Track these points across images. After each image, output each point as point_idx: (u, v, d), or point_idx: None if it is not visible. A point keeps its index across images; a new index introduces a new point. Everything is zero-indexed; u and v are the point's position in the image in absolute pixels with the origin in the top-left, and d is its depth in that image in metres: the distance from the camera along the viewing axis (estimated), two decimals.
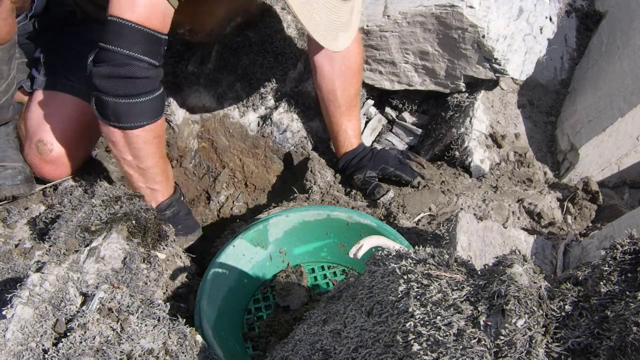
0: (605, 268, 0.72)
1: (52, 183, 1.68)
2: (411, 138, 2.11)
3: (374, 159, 1.78)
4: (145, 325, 0.96)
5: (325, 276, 1.47)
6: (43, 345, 0.91)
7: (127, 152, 1.41)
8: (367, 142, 2.15)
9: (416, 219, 1.61)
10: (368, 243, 0.96)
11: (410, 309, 0.74)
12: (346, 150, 1.83)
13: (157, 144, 1.43)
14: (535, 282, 0.71)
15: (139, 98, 1.32)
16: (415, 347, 0.69)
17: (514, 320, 0.67)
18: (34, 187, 1.65)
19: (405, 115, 2.15)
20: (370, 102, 2.20)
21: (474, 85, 1.97)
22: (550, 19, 2.11)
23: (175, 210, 1.58)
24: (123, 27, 1.26)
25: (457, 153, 1.82)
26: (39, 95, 1.68)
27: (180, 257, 1.45)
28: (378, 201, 1.70)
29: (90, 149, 1.77)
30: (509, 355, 0.65)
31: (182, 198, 1.65)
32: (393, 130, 2.16)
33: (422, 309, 0.73)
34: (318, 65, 1.76)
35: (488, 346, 0.66)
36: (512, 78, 1.93)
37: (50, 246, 1.32)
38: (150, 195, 1.53)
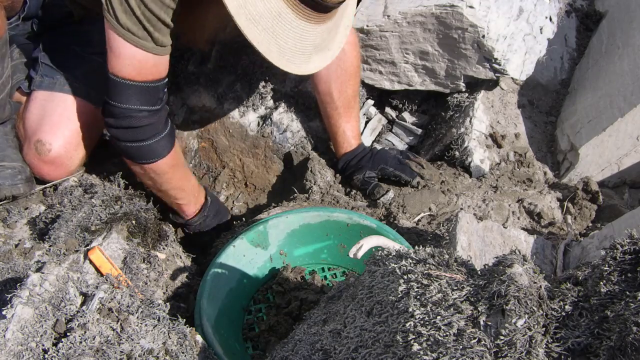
0: (605, 268, 0.72)
1: (52, 183, 1.68)
2: (411, 138, 2.11)
3: (373, 159, 1.79)
4: (145, 325, 0.96)
5: (325, 278, 1.47)
6: (43, 345, 0.91)
7: (146, 179, 1.57)
8: (367, 142, 2.15)
9: (416, 219, 1.61)
10: (368, 243, 0.96)
11: (410, 309, 0.74)
12: (345, 151, 1.83)
13: (171, 172, 1.56)
14: (535, 282, 0.71)
15: (144, 142, 1.46)
16: (415, 347, 0.69)
17: (514, 320, 0.67)
18: (34, 187, 1.65)
19: (405, 115, 2.15)
20: (370, 102, 2.19)
21: (474, 85, 1.97)
22: (550, 19, 2.11)
23: (204, 218, 1.72)
24: (118, 84, 1.38)
25: (457, 153, 1.82)
26: (37, 95, 1.68)
27: (180, 257, 1.45)
28: (378, 201, 1.70)
29: (91, 148, 1.77)
30: (509, 355, 0.65)
31: (209, 203, 1.75)
32: (393, 130, 2.16)
33: (422, 309, 0.73)
34: None
35: (488, 346, 0.66)
36: (512, 78, 1.93)
37: (50, 246, 1.32)
38: (179, 209, 1.69)
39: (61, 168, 1.66)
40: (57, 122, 1.63)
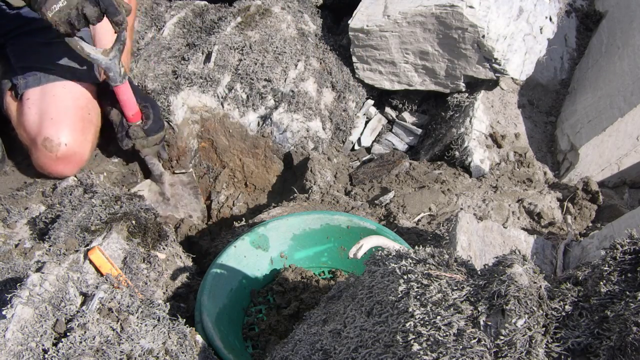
0: (605, 268, 0.72)
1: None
2: (411, 138, 2.11)
3: None
4: (145, 325, 0.96)
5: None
6: (43, 345, 0.91)
7: None
8: (367, 142, 2.15)
9: (416, 219, 1.61)
10: (368, 243, 0.96)
11: (410, 309, 0.74)
12: None
13: None
14: (535, 282, 0.71)
15: None
16: (415, 347, 0.69)
17: (514, 320, 0.67)
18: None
19: (405, 115, 2.15)
20: (370, 102, 2.19)
21: (474, 85, 1.97)
22: (550, 19, 2.12)
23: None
24: None
25: (457, 153, 1.82)
26: (28, 95, 1.64)
27: (180, 257, 1.45)
28: (378, 201, 1.70)
29: (97, 129, 1.70)
30: (509, 355, 0.65)
31: None
32: (393, 130, 2.16)
33: (422, 309, 0.73)
34: None
35: (488, 346, 0.66)
36: (512, 78, 1.93)
37: (50, 246, 1.32)
38: None
39: (75, 159, 1.62)
40: (57, 114, 1.59)
